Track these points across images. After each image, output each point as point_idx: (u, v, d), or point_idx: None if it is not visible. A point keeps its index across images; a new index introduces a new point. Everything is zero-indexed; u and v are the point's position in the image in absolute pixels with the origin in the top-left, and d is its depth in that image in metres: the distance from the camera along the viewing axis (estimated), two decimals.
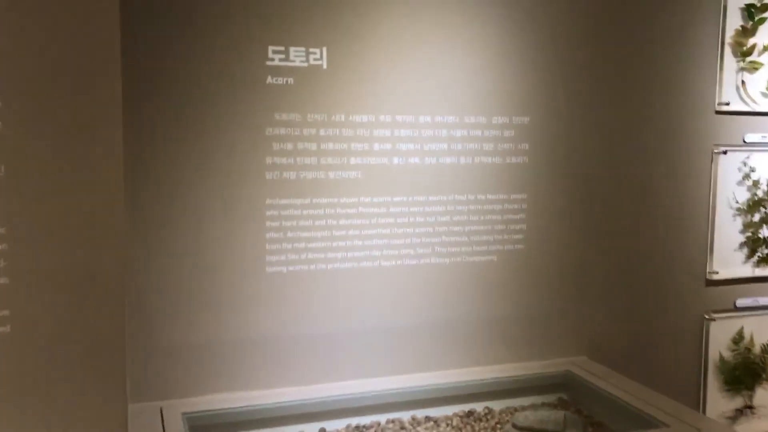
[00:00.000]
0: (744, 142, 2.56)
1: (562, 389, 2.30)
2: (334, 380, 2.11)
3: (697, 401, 2.57)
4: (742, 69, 2.52)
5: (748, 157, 2.56)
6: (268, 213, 2.02)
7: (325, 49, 2.04)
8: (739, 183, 2.57)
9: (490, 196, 2.28)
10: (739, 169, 2.57)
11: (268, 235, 2.02)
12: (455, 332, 2.26)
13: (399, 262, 2.18)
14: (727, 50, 2.51)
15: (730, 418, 2.62)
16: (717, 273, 2.56)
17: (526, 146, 2.30)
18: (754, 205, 2.58)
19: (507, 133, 2.27)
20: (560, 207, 2.35)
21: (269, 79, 1.99)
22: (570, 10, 2.31)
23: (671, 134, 2.48)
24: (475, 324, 2.28)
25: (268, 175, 2.01)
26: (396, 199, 2.16)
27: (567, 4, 2.30)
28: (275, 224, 2.03)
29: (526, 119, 2.28)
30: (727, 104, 2.51)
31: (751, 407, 2.62)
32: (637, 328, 2.50)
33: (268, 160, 2.01)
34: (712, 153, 2.52)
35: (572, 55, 2.31)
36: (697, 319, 2.57)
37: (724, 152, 2.52)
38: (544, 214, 2.34)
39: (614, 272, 2.45)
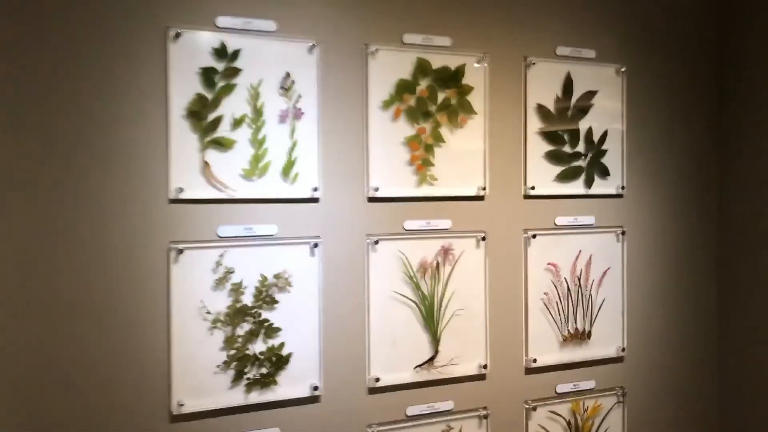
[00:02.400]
0: (218, 236, 2.09)
1: None
2: None
3: None
4: (207, 147, 2.06)
5: (222, 255, 2.09)
6: None
7: None
8: (216, 287, 2.08)
9: None
10: (214, 270, 2.08)
11: None
12: None
13: None
14: (184, 124, 2.04)
15: None
16: (183, 405, 2.04)
17: None
18: (237, 314, 2.10)
19: None
20: None
21: None
22: None
23: (116, 231, 1.97)
24: None
25: None
26: None
27: None
28: None
29: None
30: (182, 191, 2.03)
31: None
32: None
33: None
34: (168, 252, 2.02)
35: None
36: None
37: (181, 251, 2.04)
38: None
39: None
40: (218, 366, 2.10)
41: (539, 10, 2.58)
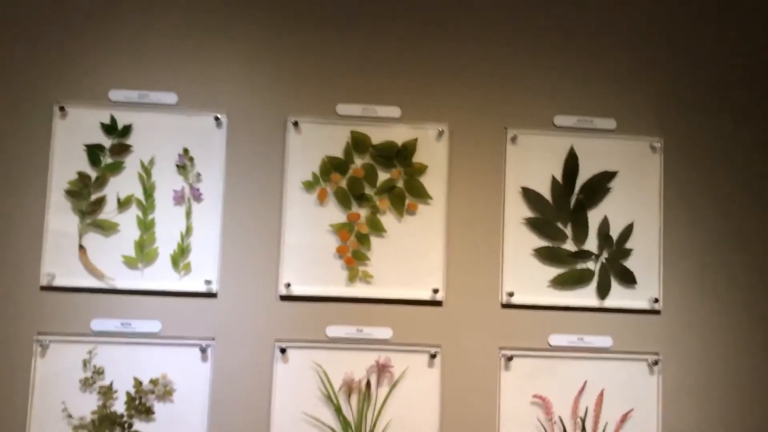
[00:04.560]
0: (91, 330, 1.91)
1: None
2: None
3: None
4: (87, 230, 1.92)
5: (92, 352, 1.90)
6: None
7: None
8: (84, 388, 1.89)
9: None
10: (83, 369, 1.89)
11: None
12: None
13: None
14: (66, 205, 1.93)
15: None
16: None
17: None
18: (104, 421, 1.88)
19: None
20: None
21: None
22: None
23: None
24: None
25: None
26: None
27: None
28: None
29: None
30: (54, 277, 1.90)
31: None
32: None
33: None
34: (34, 344, 1.89)
35: None
36: None
37: (47, 344, 1.89)
38: None
39: None
40: None
41: (529, 70, 2.09)
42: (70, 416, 1.88)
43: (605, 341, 2.06)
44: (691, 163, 2.12)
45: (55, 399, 1.88)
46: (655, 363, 2.06)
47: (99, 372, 1.89)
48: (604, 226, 2.09)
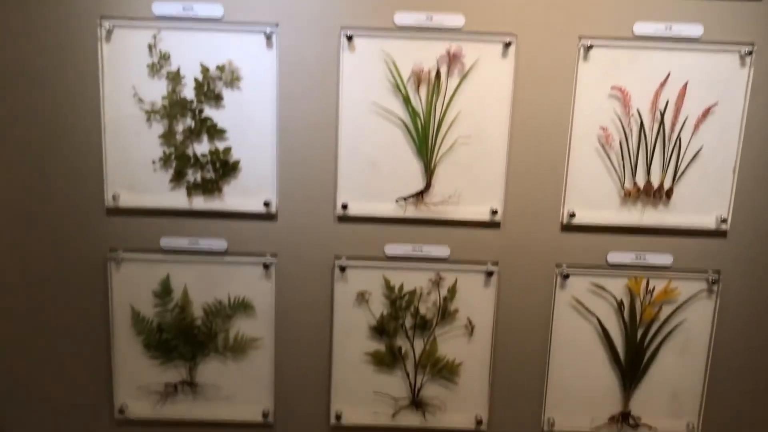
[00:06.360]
0: (153, 14, 1.88)
1: None
2: None
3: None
4: None
5: (156, 36, 1.88)
6: None
7: None
8: (151, 74, 1.91)
9: None
10: (149, 54, 1.89)
11: None
12: None
13: None
14: None
15: (158, 393, 2.09)
16: (118, 198, 1.97)
17: None
18: (175, 106, 1.91)
19: None
20: None
21: None
22: None
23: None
24: None
25: None
26: None
27: None
28: None
29: None
30: None
31: (190, 383, 2.08)
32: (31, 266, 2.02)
33: None
34: (98, 28, 1.88)
35: None
36: (100, 258, 2.02)
37: (110, 29, 1.87)
38: None
39: None
40: (154, 162, 1.95)
41: None
42: (141, 100, 1.91)
43: (695, 30, 1.92)
44: None
45: (125, 83, 1.91)
46: (750, 53, 1.92)
47: (165, 57, 1.89)
48: None
